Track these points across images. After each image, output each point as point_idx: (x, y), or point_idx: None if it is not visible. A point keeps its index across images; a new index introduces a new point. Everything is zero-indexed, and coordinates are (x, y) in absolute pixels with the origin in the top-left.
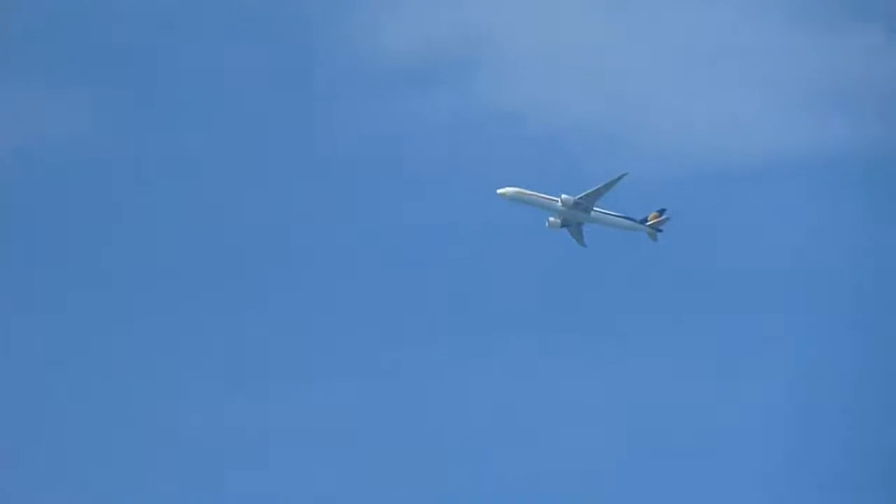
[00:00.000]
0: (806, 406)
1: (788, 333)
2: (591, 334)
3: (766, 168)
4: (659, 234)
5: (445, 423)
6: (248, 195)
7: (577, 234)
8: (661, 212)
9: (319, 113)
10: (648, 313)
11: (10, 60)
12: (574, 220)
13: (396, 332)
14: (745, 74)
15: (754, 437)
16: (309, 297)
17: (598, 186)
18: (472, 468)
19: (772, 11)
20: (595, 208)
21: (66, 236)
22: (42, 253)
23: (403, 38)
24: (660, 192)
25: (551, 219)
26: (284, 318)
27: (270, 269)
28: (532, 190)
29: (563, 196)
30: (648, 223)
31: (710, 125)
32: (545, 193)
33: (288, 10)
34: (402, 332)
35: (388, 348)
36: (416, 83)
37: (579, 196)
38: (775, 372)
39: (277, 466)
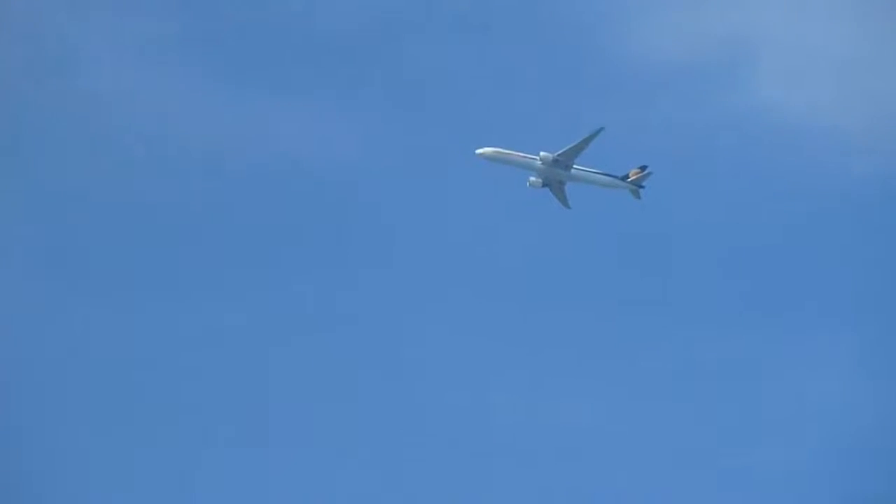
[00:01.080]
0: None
1: None
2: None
3: None
4: (642, 191)
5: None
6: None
7: (561, 195)
8: (643, 168)
9: (589, 114)
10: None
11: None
12: (555, 179)
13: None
14: None
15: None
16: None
17: (576, 142)
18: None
19: None
20: (575, 166)
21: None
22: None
23: (669, 39)
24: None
25: (532, 178)
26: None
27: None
28: (512, 149)
29: (542, 153)
30: (630, 180)
31: None
32: (523, 153)
33: (556, 12)
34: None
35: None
36: (683, 83)
37: (558, 153)
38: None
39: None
